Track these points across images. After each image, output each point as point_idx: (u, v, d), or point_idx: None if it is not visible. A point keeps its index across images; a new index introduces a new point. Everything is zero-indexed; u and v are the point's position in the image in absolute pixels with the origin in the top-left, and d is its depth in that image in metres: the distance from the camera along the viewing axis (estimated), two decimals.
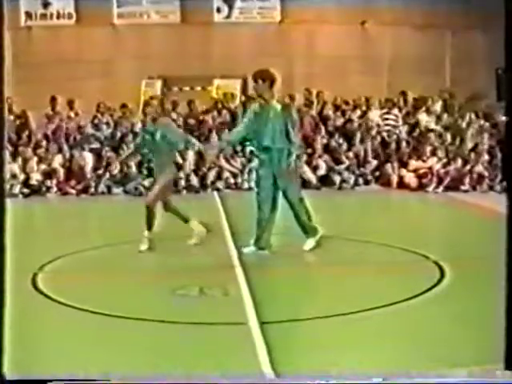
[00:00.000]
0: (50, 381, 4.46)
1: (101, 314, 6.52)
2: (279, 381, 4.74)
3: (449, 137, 18.74)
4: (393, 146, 18.69)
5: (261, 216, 9.48)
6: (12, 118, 18.46)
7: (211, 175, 17.57)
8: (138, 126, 18.62)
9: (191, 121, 19.19)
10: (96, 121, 19.03)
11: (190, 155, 17.90)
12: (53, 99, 18.94)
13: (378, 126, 19.17)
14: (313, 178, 17.50)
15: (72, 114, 19.03)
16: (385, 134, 18.99)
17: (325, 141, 18.68)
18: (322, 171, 17.79)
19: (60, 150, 17.89)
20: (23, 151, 17.47)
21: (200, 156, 17.83)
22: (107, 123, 18.97)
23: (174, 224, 10.05)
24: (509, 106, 4.01)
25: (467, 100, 20.19)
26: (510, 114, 4.00)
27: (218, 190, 17.24)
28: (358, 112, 19.73)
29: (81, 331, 6.14)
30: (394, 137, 18.96)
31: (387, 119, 19.22)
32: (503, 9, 4.24)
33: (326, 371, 4.70)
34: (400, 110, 19.72)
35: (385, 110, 19.35)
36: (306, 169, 17.67)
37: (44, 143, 17.98)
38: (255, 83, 9.64)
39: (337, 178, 17.71)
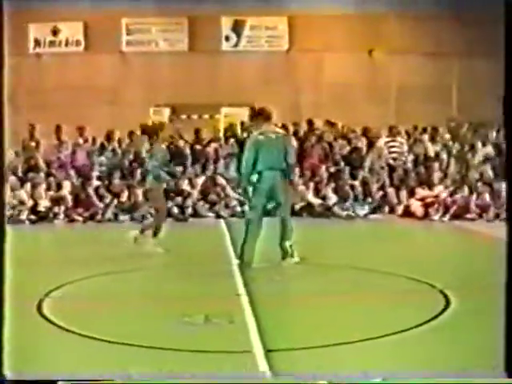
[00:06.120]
0: (55, 381, 4.46)
1: (106, 341, 6.52)
2: (277, 380, 4.73)
3: (455, 165, 18.74)
4: (399, 174, 18.69)
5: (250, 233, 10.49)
6: (33, 144, 18.60)
7: (219, 204, 17.64)
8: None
9: (198, 147, 19.25)
10: (104, 148, 19.06)
11: (199, 183, 18.01)
12: (57, 128, 18.92)
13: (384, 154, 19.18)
14: (316, 203, 17.58)
15: (81, 141, 19.05)
16: (391, 162, 19.00)
17: (332, 170, 18.71)
18: (332, 201, 17.79)
19: (68, 177, 17.94)
20: (33, 177, 17.53)
21: (214, 184, 17.91)
22: (114, 150, 18.96)
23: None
24: (508, 130, 4.00)
25: (474, 128, 20.22)
26: (510, 141, 3.99)
27: (224, 218, 17.27)
28: (365, 141, 19.70)
29: (85, 358, 6.13)
30: (401, 164, 18.96)
31: (392, 147, 19.20)
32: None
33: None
34: (409, 137, 19.75)
35: (389, 138, 19.31)
36: (310, 195, 17.78)
37: (53, 170, 18.06)
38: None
39: (344, 207, 17.71)
